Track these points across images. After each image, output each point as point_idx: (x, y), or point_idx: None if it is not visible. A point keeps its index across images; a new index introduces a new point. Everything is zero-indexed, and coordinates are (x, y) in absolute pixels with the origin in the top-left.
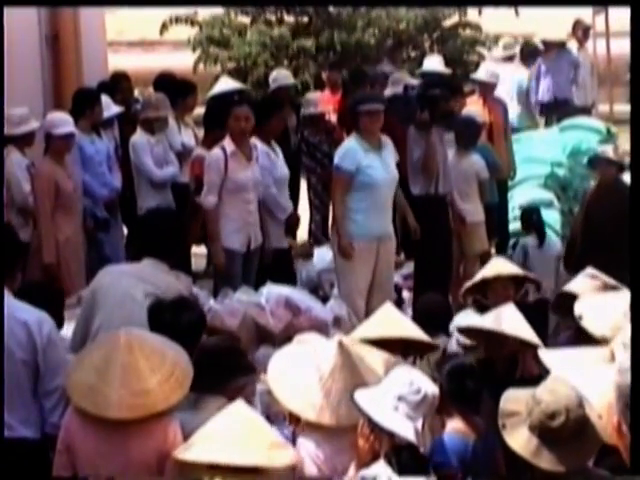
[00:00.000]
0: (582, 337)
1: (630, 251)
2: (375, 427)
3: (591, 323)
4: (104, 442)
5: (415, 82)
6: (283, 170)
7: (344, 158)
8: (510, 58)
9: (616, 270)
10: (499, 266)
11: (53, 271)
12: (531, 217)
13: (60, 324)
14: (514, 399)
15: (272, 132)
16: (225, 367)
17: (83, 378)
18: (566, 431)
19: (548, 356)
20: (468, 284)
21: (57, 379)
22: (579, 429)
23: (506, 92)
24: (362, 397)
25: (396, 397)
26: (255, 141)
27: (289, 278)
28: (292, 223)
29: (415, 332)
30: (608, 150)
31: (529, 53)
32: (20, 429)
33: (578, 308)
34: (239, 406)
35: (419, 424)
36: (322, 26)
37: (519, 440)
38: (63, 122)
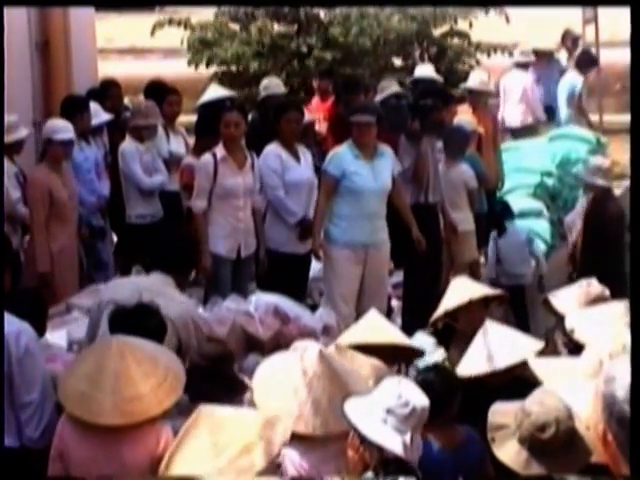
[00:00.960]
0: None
1: (630, 251)
2: (364, 439)
3: (583, 336)
4: (97, 448)
5: (401, 90)
6: (301, 174)
7: (330, 162)
8: (525, 65)
9: (616, 274)
10: (468, 289)
11: (47, 279)
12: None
13: (42, 332)
14: (502, 412)
15: (286, 135)
16: (217, 385)
17: (75, 385)
18: (556, 443)
19: (538, 366)
20: (440, 312)
21: (32, 392)
22: (568, 440)
23: (519, 98)
24: (351, 408)
25: (385, 410)
26: (271, 146)
27: (298, 284)
28: (304, 228)
29: (401, 339)
30: (584, 174)
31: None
32: None
33: (569, 323)
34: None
35: (408, 437)
36: (313, 33)
37: (509, 453)
38: (63, 128)
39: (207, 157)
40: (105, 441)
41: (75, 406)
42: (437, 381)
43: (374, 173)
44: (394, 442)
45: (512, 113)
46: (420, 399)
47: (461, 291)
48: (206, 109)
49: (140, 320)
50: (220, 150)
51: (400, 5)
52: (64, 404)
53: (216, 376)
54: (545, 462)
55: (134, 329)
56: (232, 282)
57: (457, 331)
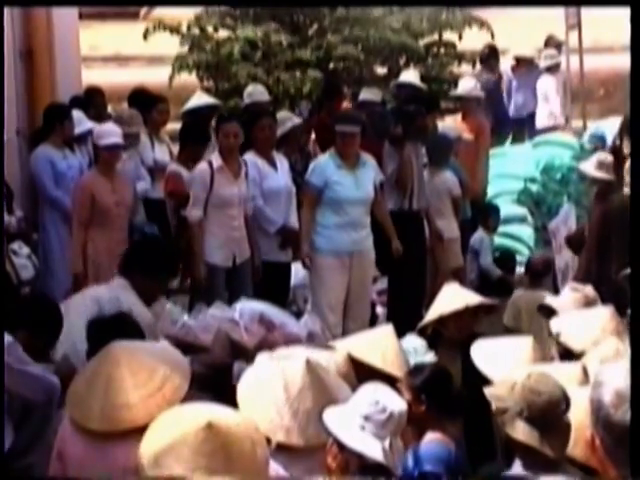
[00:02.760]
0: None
1: (630, 251)
2: (343, 447)
3: (570, 339)
4: (91, 451)
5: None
6: (278, 182)
7: (313, 173)
8: (550, 69)
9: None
10: (462, 296)
11: (79, 281)
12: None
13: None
14: (497, 396)
15: (260, 142)
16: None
17: (76, 387)
18: (563, 418)
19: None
20: (433, 316)
21: None
22: (556, 416)
23: (542, 100)
24: (330, 417)
25: (362, 417)
26: (248, 154)
27: (281, 292)
28: (284, 236)
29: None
30: (589, 168)
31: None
32: None
33: (555, 326)
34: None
35: (387, 443)
36: (304, 41)
37: (522, 432)
38: (108, 133)
39: (203, 166)
40: (98, 444)
41: (72, 407)
42: (449, 374)
43: (357, 183)
44: (373, 449)
45: (538, 115)
46: (397, 404)
47: (455, 297)
48: (190, 116)
49: (119, 329)
50: (217, 159)
51: (397, 5)
52: (66, 404)
53: (217, 385)
54: (552, 437)
55: (112, 339)
56: (229, 290)
57: (445, 338)
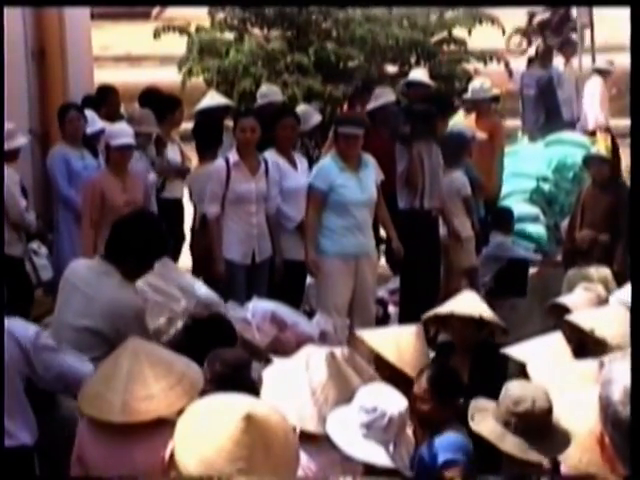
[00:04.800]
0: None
1: (631, 251)
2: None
3: (605, 334)
4: (110, 452)
5: (395, 98)
6: (297, 181)
7: (317, 177)
8: (602, 72)
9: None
10: (480, 306)
11: None
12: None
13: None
14: (484, 402)
15: (282, 141)
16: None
17: (92, 387)
18: (530, 420)
19: (536, 373)
20: (431, 313)
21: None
22: (544, 423)
23: (589, 102)
24: (333, 427)
25: (364, 425)
26: (269, 153)
27: (297, 291)
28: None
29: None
30: (600, 149)
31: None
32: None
33: (587, 323)
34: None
35: (391, 446)
36: (311, 41)
37: (486, 427)
38: (120, 134)
39: (220, 162)
40: (116, 443)
41: (88, 405)
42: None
43: (360, 185)
44: (380, 456)
45: (586, 116)
46: (396, 406)
47: (473, 304)
48: (203, 116)
49: (215, 330)
50: (233, 155)
51: (402, 5)
52: (80, 405)
53: (236, 383)
54: (519, 436)
55: (209, 339)
56: (248, 288)
57: (456, 347)
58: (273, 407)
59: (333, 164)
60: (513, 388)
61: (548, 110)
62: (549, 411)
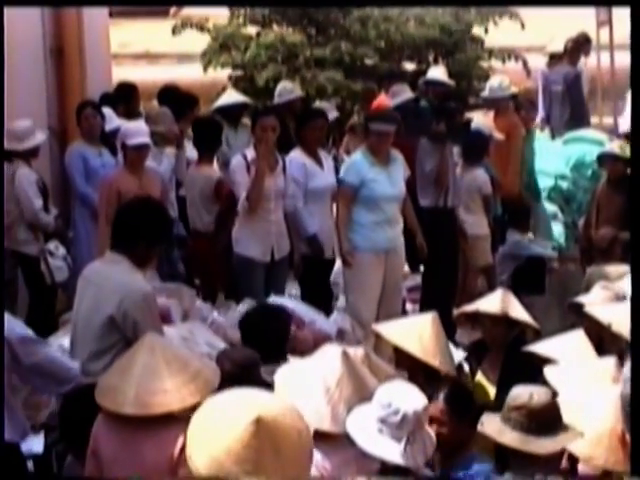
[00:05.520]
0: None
1: (631, 250)
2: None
3: (622, 329)
4: (121, 446)
5: (415, 95)
6: (325, 181)
7: (348, 172)
8: None
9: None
10: (489, 301)
11: None
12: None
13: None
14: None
15: (310, 142)
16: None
17: (108, 379)
18: (529, 412)
19: (553, 375)
20: (465, 310)
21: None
22: (543, 415)
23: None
24: (352, 422)
25: (379, 420)
26: (295, 152)
27: (323, 288)
28: (313, 247)
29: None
30: (615, 147)
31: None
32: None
33: (605, 317)
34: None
35: (404, 443)
36: (330, 38)
37: (488, 426)
38: (136, 132)
39: (239, 160)
40: (127, 437)
41: (103, 397)
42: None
43: (390, 180)
44: (391, 452)
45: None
46: (412, 404)
47: (501, 302)
48: (221, 114)
49: (269, 318)
50: (250, 152)
51: (417, 5)
52: (96, 397)
53: (246, 381)
54: (518, 431)
55: (262, 327)
56: (267, 285)
57: (489, 348)
58: (289, 405)
59: (364, 159)
60: (516, 388)
61: (573, 106)
62: (550, 405)
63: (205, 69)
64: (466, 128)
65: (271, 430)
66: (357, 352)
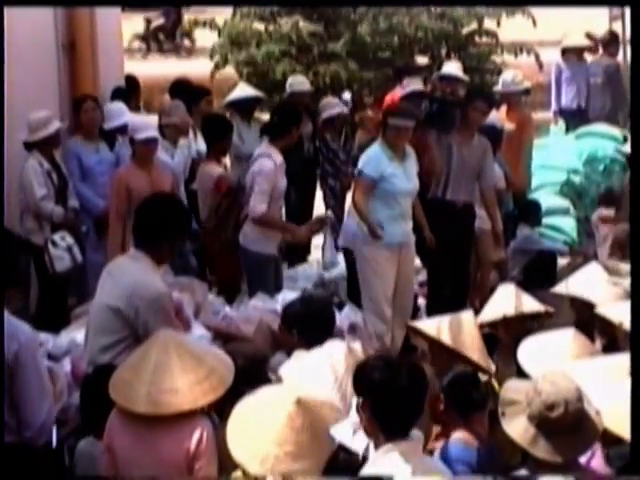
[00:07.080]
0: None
1: (630, 249)
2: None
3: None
4: (137, 441)
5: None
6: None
7: (368, 164)
8: None
9: None
10: (525, 300)
11: None
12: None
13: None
14: (515, 389)
15: (289, 143)
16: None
17: (121, 374)
18: (564, 423)
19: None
20: (487, 318)
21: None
22: (576, 422)
23: None
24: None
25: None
26: (270, 149)
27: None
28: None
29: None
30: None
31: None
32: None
33: (616, 316)
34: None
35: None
36: (340, 32)
37: (517, 429)
38: (144, 127)
39: (269, 162)
40: (143, 434)
41: (116, 392)
42: (476, 375)
43: (406, 174)
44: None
45: None
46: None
47: (516, 299)
48: (233, 108)
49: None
50: (278, 157)
51: (401, 5)
52: (110, 391)
53: (253, 376)
54: (552, 441)
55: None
56: (276, 279)
57: (501, 341)
58: (325, 399)
59: (382, 153)
60: (545, 389)
61: (614, 97)
62: (582, 410)
63: (222, 65)
64: (466, 122)
65: (311, 411)
66: (361, 348)
